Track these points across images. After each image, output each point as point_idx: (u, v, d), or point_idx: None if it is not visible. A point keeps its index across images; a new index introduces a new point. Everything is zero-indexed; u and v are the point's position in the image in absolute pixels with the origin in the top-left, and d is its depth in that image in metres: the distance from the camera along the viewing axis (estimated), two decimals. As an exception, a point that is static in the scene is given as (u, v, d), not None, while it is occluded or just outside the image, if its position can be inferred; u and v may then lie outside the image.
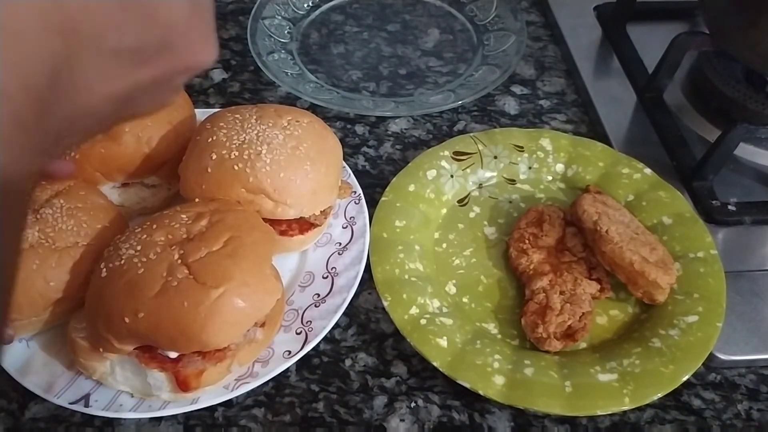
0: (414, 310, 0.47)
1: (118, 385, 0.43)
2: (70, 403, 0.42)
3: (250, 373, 0.44)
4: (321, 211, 0.50)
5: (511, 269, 0.51)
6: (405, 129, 0.63)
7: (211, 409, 0.44)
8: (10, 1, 0.20)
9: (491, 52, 0.69)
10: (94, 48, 0.23)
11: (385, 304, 0.47)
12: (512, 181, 0.57)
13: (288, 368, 0.46)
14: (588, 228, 0.49)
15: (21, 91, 0.21)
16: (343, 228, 0.53)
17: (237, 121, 0.49)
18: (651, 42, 0.68)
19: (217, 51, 0.27)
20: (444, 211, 0.55)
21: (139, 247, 0.42)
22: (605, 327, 0.48)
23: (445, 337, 0.45)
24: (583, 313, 0.46)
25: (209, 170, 0.47)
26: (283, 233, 0.49)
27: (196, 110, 0.56)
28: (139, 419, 0.43)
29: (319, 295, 0.48)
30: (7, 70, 0.20)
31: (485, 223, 0.55)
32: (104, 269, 0.42)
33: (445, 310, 0.48)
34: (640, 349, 0.45)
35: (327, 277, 0.50)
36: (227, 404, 0.45)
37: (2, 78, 0.20)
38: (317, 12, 0.75)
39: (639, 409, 0.44)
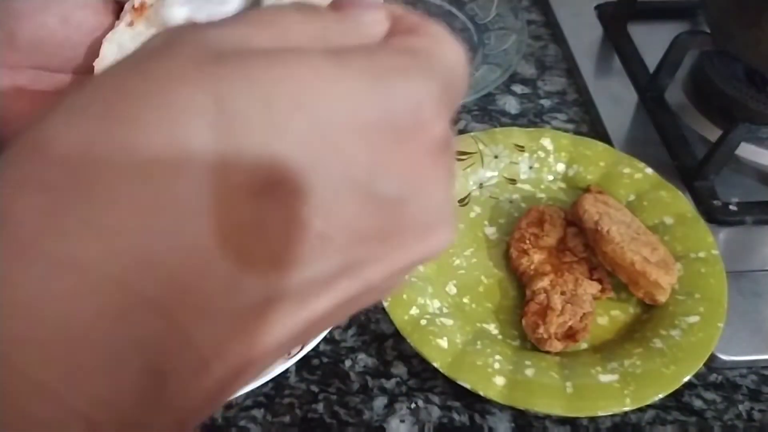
0: (414, 311, 0.46)
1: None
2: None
3: (249, 373, 0.44)
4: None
5: (512, 269, 0.51)
6: (405, 128, 0.63)
7: (211, 409, 0.44)
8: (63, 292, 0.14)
9: (492, 51, 0.69)
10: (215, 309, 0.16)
11: (385, 304, 0.47)
12: (513, 181, 0.57)
13: (287, 369, 0.46)
14: (589, 228, 0.49)
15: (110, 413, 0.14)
16: (343, 228, 0.52)
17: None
18: (652, 41, 0.68)
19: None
20: (444, 211, 0.55)
21: None
22: (606, 327, 0.48)
23: (445, 338, 0.45)
24: (584, 314, 0.46)
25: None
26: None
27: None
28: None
29: (319, 295, 0.48)
30: (85, 392, 0.14)
31: (486, 223, 0.55)
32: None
33: (445, 310, 0.48)
34: (641, 350, 0.45)
35: (327, 277, 0.49)
36: (226, 405, 0.44)
37: (82, 407, 0.14)
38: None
39: (640, 409, 0.44)
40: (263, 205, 0.15)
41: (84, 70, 0.34)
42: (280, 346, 0.17)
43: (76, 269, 0.14)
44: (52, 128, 0.15)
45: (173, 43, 0.16)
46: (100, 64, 0.34)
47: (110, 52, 0.34)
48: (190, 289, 0.15)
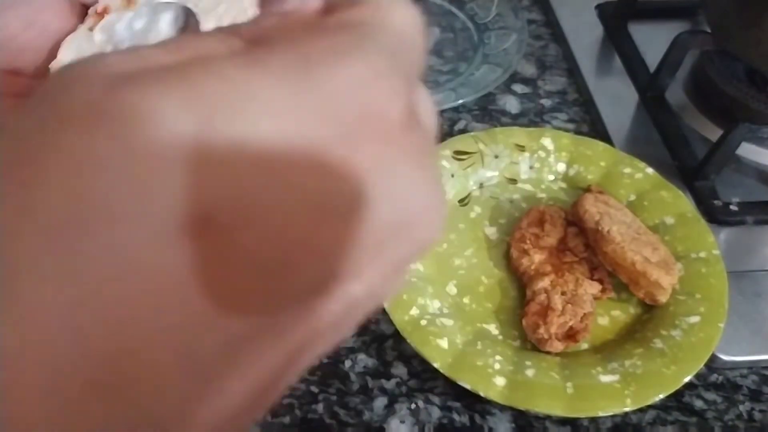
0: (414, 311, 0.46)
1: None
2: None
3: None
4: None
5: (513, 270, 0.51)
6: (405, 128, 0.63)
7: (211, 410, 0.44)
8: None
9: (492, 50, 0.69)
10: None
11: (385, 305, 0.46)
12: (513, 181, 0.57)
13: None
14: (590, 228, 0.49)
15: None
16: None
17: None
18: (653, 41, 0.68)
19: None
20: (444, 210, 0.55)
21: None
22: (607, 328, 0.48)
23: (445, 338, 0.45)
24: (585, 314, 0.46)
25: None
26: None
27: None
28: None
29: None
30: None
31: (486, 223, 0.54)
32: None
33: (445, 310, 0.47)
34: (641, 350, 0.45)
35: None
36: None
37: None
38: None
39: (641, 410, 0.44)
40: (196, 248, 0.13)
41: (42, 73, 0.33)
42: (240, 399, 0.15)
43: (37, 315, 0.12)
44: None
45: (66, 80, 0.14)
46: (56, 66, 0.33)
47: (67, 56, 0.33)
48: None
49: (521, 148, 0.58)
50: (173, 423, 0.14)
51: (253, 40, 0.15)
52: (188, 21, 0.31)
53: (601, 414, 0.42)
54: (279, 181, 0.13)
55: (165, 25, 0.31)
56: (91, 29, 0.34)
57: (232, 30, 0.16)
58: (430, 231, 0.16)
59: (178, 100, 0.13)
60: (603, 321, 0.48)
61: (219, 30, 0.16)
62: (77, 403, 0.13)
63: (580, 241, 0.50)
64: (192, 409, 0.14)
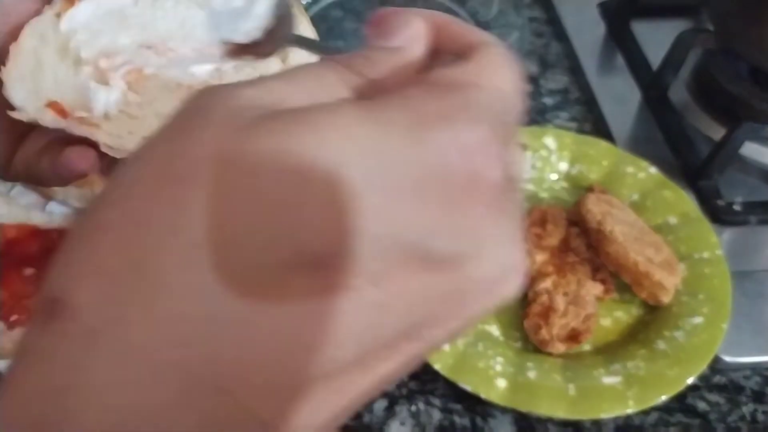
0: (415, 312, 0.46)
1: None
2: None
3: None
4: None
5: (514, 270, 0.50)
6: (406, 127, 0.62)
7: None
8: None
9: (493, 48, 0.69)
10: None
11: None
12: (515, 180, 0.57)
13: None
14: (592, 228, 0.48)
15: None
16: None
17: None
18: (655, 39, 0.67)
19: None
20: (446, 210, 0.54)
21: None
22: (609, 329, 0.48)
23: (446, 340, 0.45)
24: (587, 315, 0.46)
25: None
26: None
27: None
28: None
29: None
30: None
31: (487, 222, 0.54)
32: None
33: (446, 311, 0.47)
34: (644, 351, 0.45)
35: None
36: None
37: None
38: (316, 8, 0.74)
39: (643, 411, 0.44)
40: (307, 282, 0.14)
41: (1, 56, 0.32)
42: (345, 409, 0.17)
43: (140, 357, 0.14)
44: (101, 213, 0.16)
45: (202, 112, 0.15)
46: (15, 49, 0.32)
47: (29, 43, 0.32)
48: (248, 367, 0.15)
49: (523, 147, 0.57)
50: (276, 420, 0.15)
51: (368, 84, 0.17)
52: (283, 7, 0.31)
53: (603, 416, 0.42)
54: (388, 227, 0.15)
55: (262, 7, 0.31)
56: (58, 15, 0.32)
57: (350, 64, 0.17)
58: (513, 288, 0.18)
59: (302, 154, 0.14)
60: (605, 322, 0.48)
61: (336, 63, 0.17)
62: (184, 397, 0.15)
63: (583, 241, 0.50)
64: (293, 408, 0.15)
